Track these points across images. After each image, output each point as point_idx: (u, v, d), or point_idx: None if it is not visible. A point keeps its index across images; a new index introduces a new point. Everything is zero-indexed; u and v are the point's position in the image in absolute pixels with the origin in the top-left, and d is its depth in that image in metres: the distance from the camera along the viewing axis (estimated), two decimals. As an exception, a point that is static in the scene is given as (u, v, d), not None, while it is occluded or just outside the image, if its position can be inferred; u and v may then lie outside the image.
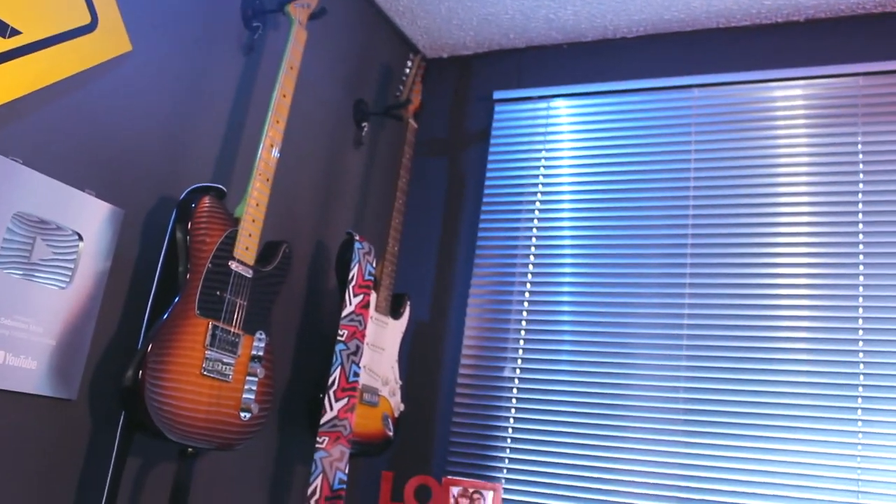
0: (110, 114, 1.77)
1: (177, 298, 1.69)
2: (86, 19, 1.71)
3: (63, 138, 1.66)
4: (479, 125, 2.88)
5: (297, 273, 2.36)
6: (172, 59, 1.93)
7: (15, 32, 1.56)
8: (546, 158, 2.74)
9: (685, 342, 2.38)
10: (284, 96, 1.99)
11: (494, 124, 2.84)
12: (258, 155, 1.91)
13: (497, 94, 2.85)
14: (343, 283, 2.23)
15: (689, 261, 2.45)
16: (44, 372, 1.60)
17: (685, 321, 2.39)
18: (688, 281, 2.43)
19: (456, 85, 2.96)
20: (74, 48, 1.68)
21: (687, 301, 2.41)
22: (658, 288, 2.46)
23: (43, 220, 1.59)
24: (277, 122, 1.97)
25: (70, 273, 1.64)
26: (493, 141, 2.83)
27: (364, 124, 2.63)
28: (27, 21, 1.59)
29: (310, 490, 2.05)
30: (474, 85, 2.94)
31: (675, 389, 2.34)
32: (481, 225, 2.76)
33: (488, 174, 2.80)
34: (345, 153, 2.58)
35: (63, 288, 1.63)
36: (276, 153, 1.95)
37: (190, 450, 1.79)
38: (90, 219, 1.69)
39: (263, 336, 1.89)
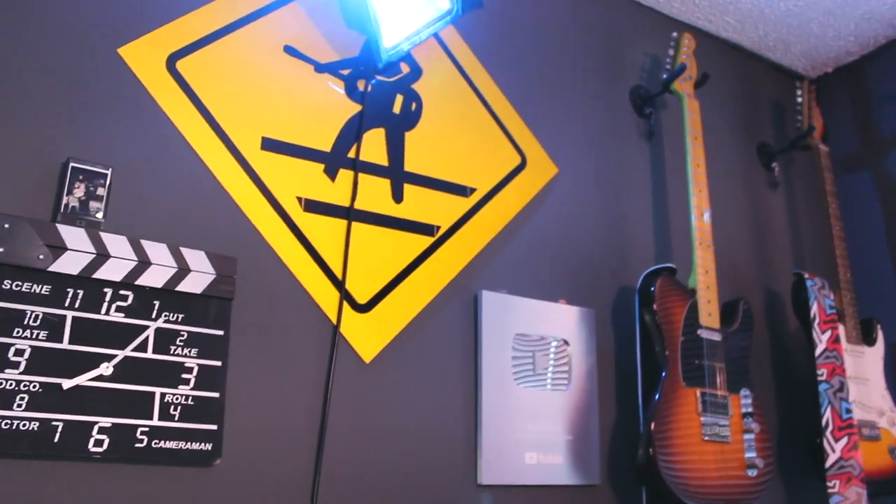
0: (557, 230, 2.02)
1: (663, 375, 1.83)
2: (517, 160, 2.00)
3: (525, 263, 1.94)
4: (893, 124, 2.70)
5: (756, 323, 2.38)
6: (590, 163, 2.16)
7: (472, 191, 1.89)
8: None
9: None
10: (698, 166, 2.10)
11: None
12: (692, 226, 2.03)
13: (905, 85, 2.66)
14: (806, 323, 2.21)
15: None
16: (569, 464, 1.82)
17: None
18: None
19: (853, 94, 2.83)
20: (516, 187, 1.97)
21: None
22: None
23: (534, 336, 1.85)
24: (700, 191, 2.07)
25: (567, 375, 1.87)
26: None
27: (773, 164, 2.62)
28: (478, 179, 1.91)
29: (839, 536, 2.01)
30: (872, 86, 2.78)
31: None
32: (932, 225, 2.55)
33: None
34: (764, 197, 2.59)
35: (565, 389, 1.86)
36: (707, 219, 2.05)
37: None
38: (570, 324, 1.92)
39: (748, 392, 1.94)
